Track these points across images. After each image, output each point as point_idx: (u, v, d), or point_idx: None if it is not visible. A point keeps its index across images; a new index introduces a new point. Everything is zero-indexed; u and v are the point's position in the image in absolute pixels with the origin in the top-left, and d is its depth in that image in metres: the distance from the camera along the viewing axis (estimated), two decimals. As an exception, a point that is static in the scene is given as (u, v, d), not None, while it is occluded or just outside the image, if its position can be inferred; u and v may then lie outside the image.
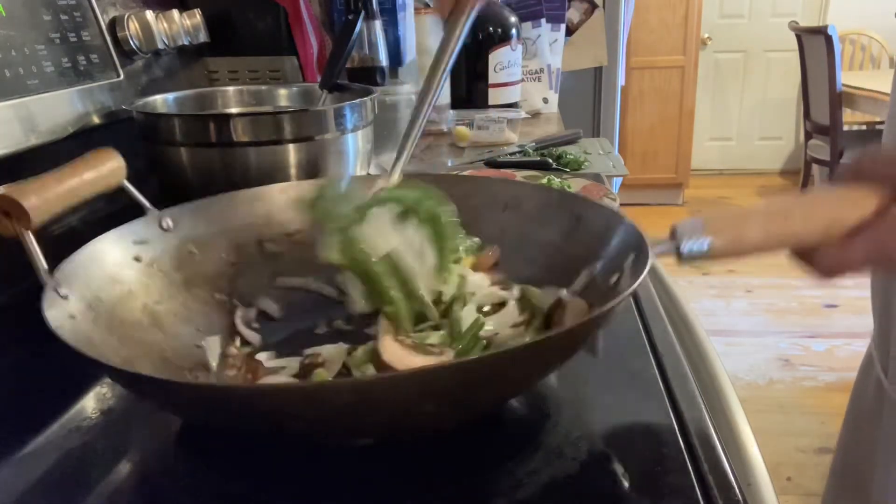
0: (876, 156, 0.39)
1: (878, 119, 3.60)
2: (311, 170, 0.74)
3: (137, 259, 0.50)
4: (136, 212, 0.53)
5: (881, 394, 0.66)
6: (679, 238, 0.40)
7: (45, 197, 0.46)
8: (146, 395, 0.40)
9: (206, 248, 0.54)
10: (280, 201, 0.59)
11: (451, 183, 0.61)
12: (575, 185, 0.82)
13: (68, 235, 0.47)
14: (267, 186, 0.59)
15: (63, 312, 0.41)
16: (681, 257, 0.40)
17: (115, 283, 0.47)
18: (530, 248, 0.55)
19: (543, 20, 1.52)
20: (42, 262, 0.43)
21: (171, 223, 0.53)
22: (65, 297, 0.41)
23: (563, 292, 0.48)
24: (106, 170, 0.53)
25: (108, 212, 0.55)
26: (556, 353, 0.39)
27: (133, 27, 0.85)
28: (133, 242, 0.50)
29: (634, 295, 0.60)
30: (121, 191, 0.54)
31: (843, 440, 0.76)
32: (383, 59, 1.06)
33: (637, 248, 0.44)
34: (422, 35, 1.32)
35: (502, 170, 0.98)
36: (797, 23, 3.55)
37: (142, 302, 0.48)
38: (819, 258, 0.39)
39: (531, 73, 1.54)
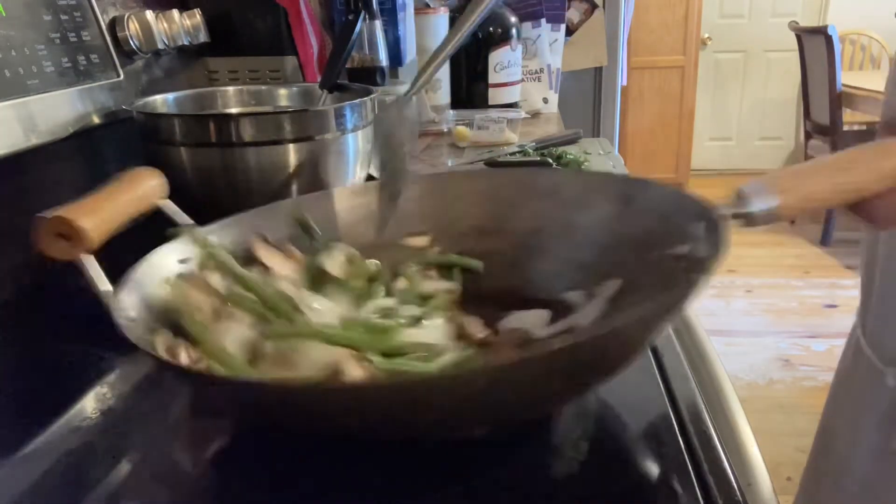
0: None
1: (877, 119, 3.59)
2: (312, 170, 0.74)
3: (183, 278, 0.48)
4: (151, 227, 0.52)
5: (858, 353, 0.68)
6: (747, 199, 0.39)
7: (101, 218, 0.45)
8: (236, 402, 0.39)
9: (246, 263, 0.52)
10: (314, 210, 0.58)
11: (482, 177, 0.60)
12: (575, 185, 0.82)
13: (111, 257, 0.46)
14: (302, 196, 0.58)
15: (139, 332, 0.39)
16: (752, 218, 0.39)
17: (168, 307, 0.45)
18: (577, 233, 0.54)
19: (543, 20, 1.52)
20: (106, 284, 0.42)
21: (213, 239, 0.51)
22: (133, 321, 0.40)
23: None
24: (149, 188, 0.53)
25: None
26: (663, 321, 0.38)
27: (133, 27, 0.85)
28: (178, 262, 0.48)
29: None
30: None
31: (826, 403, 0.77)
32: (383, 59, 1.05)
33: (703, 215, 0.42)
34: (422, 35, 1.32)
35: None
36: (797, 23, 3.55)
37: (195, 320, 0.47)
38: (878, 207, 0.39)
39: (531, 73, 1.55)
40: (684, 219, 0.45)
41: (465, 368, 0.40)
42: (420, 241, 0.59)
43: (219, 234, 0.52)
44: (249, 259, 0.52)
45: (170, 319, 0.43)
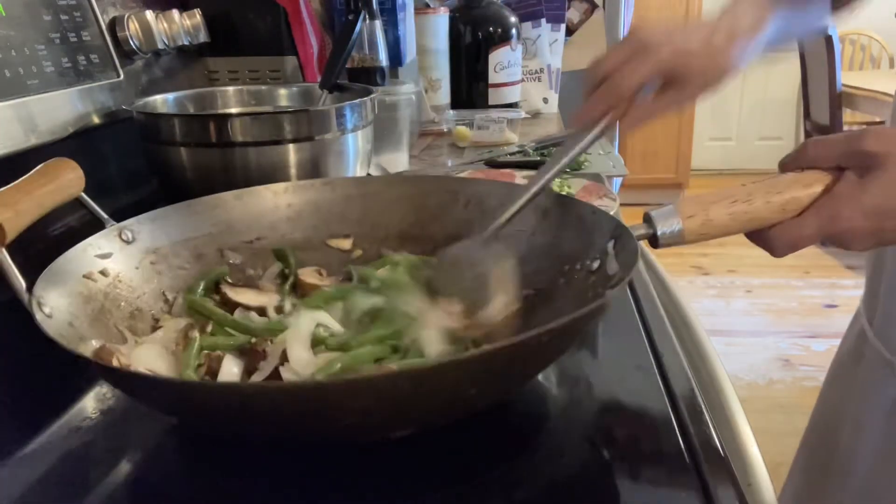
0: (816, 141, 0.44)
1: (878, 119, 3.59)
2: (312, 170, 0.74)
3: (104, 273, 0.49)
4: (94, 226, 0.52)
5: (862, 342, 0.68)
6: (654, 223, 0.43)
7: (17, 209, 0.45)
8: (151, 400, 0.40)
9: (169, 259, 0.53)
10: (238, 209, 0.58)
11: (412, 184, 0.61)
12: (575, 185, 0.82)
13: (26, 250, 0.46)
14: (223, 193, 0.58)
15: (55, 327, 0.40)
16: (657, 241, 0.44)
17: (89, 302, 0.46)
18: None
19: (543, 20, 1.52)
20: (20, 280, 0.42)
21: (131, 235, 0.52)
22: (49, 316, 0.41)
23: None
24: (66, 180, 0.52)
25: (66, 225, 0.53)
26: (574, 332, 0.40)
27: (133, 27, 0.85)
28: (96, 257, 0.49)
29: (634, 295, 0.60)
30: (78, 204, 0.53)
31: (819, 397, 0.77)
32: (383, 59, 1.05)
33: (614, 233, 0.46)
34: (422, 35, 1.32)
35: (502, 170, 0.98)
36: (797, 23, 3.54)
37: (115, 318, 0.47)
38: (775, 236, 0.43)
39: (531, 73, 1.54)
40: (598, 235, 0.48)
41: (362, 375, 0.41)
42: (343, 243, 0.59)
43: (136, 229, 0.52)
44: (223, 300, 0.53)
45: (93, 317, 0.44)
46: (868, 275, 0.69)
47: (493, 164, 1.05)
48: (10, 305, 0.52)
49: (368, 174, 0.84)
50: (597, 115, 0.51)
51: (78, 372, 0.50)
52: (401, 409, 0.35)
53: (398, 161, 1.01)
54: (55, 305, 0.42)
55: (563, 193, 0.79)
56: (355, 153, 0.79)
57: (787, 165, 0.44)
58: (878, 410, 0.64)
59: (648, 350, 0.50)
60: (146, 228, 0.53)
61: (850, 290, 2.84)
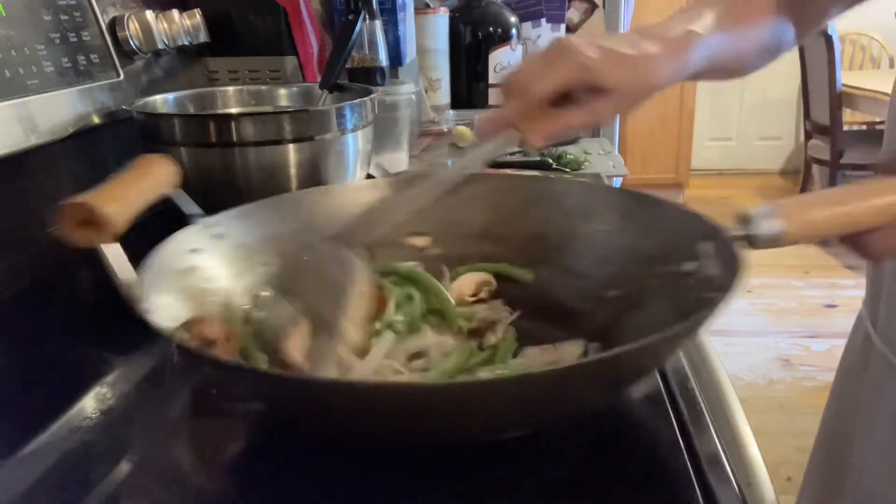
0: None
1: (878, 119, 3.59)
2: (312, 170, 0.74)
3: (196, 269, 0.48)
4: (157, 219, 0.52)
5: (868, 347, 0.67)
6: (753, 223, 0.41)
7: (124, 204, 0.44)
8: (256, 393, 0.39)
9: (255, 255, 0.53)
10: (322, 205, 0.58)
11: (489, 181, 0.60)
12: (575, 185, 0.82)
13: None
14: (309, 189, 0.59)
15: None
16: (755, 242, 0.41)
17: (187, 298, 0.45)
18: (577, 244, 0.55)
19: (543, 20, 1.52)
20: (130, 273, 0.41)
21: (222, 230, 0.52)
22: (154, 311, 0.39)
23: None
24: (164, 175, 0.52)
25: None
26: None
27: (133, 27, 0.85)
28: (189, 252, 0.49)
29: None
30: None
31: (828, 406, 0.77)
32: (383, 59, 1.05)
33: (712, 234, 0.44)
34: (422, 35, 1.32)
35: (502, 170, 0.98)
36: (797, 23, 3.54)
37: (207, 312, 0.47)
38: (872, 241, 0.41)
39: (531, 73, 1.54)
40: (690, 237, 0.46)
41: (462, 381, 0.41)
42: (421, 241, 0.59)
43: (226, 224, 0.52)
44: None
45: (190, 312, 0.44)
46: (869, 276, 0.69)
47: (493, 164, 1.05)
48: (11, 305, 0.52)
49: (369, 175, 0.84)
50: (501, 124, 0.48)
51: (79, 370, 0.50)
52: (530, 410, 0.35)
53: (398, 161, 1.01)
54: (160, 302, 0.41)
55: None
56: (355, 153, 0.79)
57: (884, 168, 0.43)
58: (886, 414, 0.64)
59: (648, 350, 0.50)
60: (234, 224, 0.53)
61: (850, 290, 2.84)
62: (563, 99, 0.47)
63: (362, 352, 0.46)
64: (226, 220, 0.53)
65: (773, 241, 0.41)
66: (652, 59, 0.47)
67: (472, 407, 0.33)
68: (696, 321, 0.36)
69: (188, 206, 0.53)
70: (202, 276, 0.49)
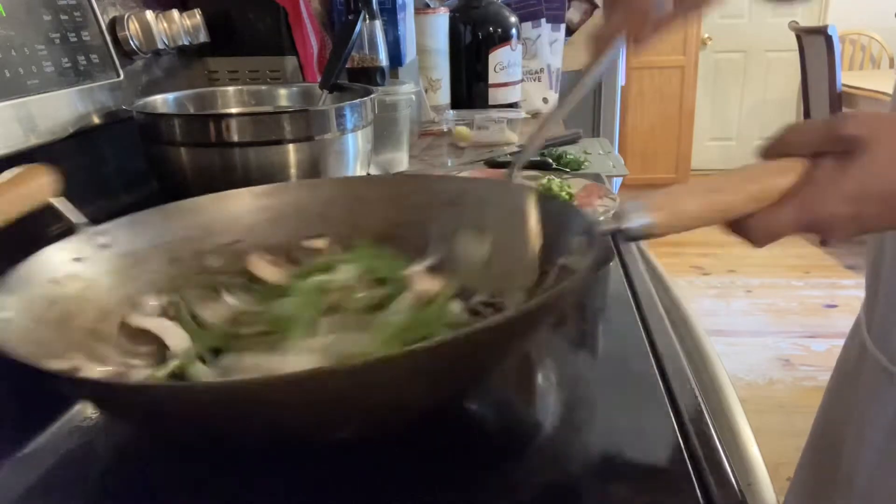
0: (793, 127, 0.42)
1: (878, 119, 3.59)
2: (312, 170, 0.74)
3: (74, 278, 0.47)
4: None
5: (863, 353, 0.68)
6: (622, 217, 0.42)
7: None
8: (108, 404, 0.39)
9: (142, 264, 0.52)
10: (216, 212, 0.57)
11: (393, 183, 0.61)
12: (575, 185, 0.82)
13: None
14: (200, 197, 0.57)
15: (11, 330, 0.39)
16: (626, 234, 0.43)
17: (53, 304, 0.44)
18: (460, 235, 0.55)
19: (543, 20, 1.52)
20: None
21: (104, 239, 0.51)
22: (8, 320, 0.39)
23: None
24: (37, 185, 0.51)
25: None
26: (523, 331, 0.40)
27: (133, 27, 0.85)
28: (70, 260, 0.48)
29: (634, 295, 0.60)
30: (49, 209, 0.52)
31: (822, 406, 0.77)
32: (383, 59, 1.05)
33: (583, 229, 0.45)
34: (422, 35, 1.32)
35: (502, 170, 0.98)
36: (797, 23, 3.55)
37: (80, 322, 0.46)
38: (752, 225, 0.42)
39: (531, 73, 1.55)
40: (570, 232, 0.47)
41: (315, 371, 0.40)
42: (316, 243, 0.58)
43: (112, 233, 0.51)
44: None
45: (56, 322, 0.43)
46: (867, 281, 0.69)
47: (493, 164, 1.05)
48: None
49: (368, 174, 0.84)
50: (610, 34, 0.52)
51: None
52: (336, 408, 0.34)
53: (398, 161, 1.01)
54: (16, 308, 0.40)
55: (562, 194, 0.79)
56: (355, 153, 0.79)
57: (765, 153, 0.43)
58: (879, 420, 0.64)
59: (648, 350, 0.50)
60: (122, 232, 0.52)
61: (850, 290, 2.84)
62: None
63: None
64: (113, 229, 0.52)
65: (645, 233, 0.42)
66: None
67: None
68: (543, 299, 0.36)
69: (73, 214, 0.52)
70: (82, 284, 0.48)
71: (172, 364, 0.45)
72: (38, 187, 0.51)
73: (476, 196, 0.57)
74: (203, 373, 0.44)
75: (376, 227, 0.58)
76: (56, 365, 0.39)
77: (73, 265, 0.48)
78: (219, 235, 0.57)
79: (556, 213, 0.51)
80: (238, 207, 0.58)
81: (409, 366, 0.33)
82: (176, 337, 0.47)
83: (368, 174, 0.85)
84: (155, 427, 0.40)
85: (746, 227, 0.42)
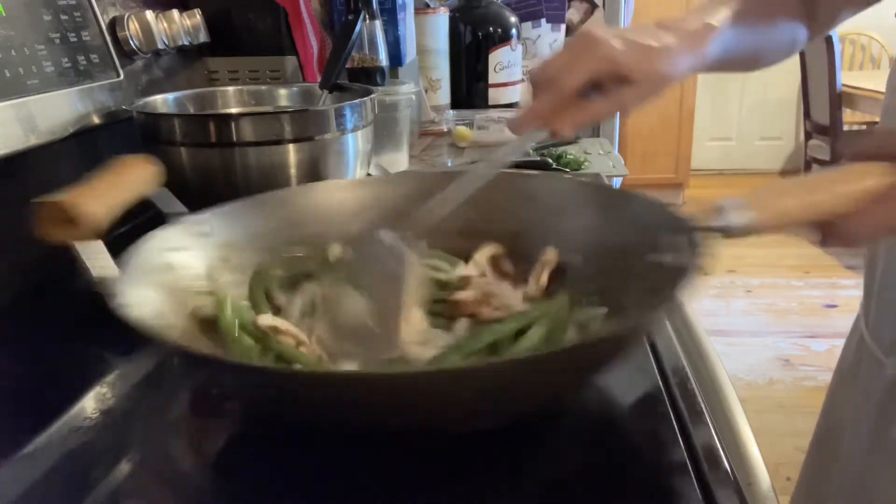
0: (879, 131, 0.42)
1: (877, 119, 3.58)
2: (312, 170, 0.74)
3: (179, 265, 0.48)
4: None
5: (861, 346, 0.68)
6: (724, 213, 0.42)
7: (101, 203, 0.44)
8: (229, 385, 0.40)
9: (239, 253, 0.54)
10: (305, 204, 0.59)
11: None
12: (575, 185, 0.82)
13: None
14: (291, 188, 0.60)
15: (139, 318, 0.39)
16: (727, 232, 0.42)
17: (167, 293, 0.45)
18: (558, 238, 0.55)
19: (543, 20, 1.52)
20: (113, 269, 0.42)
21: (208, 228, 0.52)
22: (131, 306, 0.39)
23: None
24: (145, 175, 0.52)
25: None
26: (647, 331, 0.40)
27: (133, 27, 0.85)
28: (173, 249, 0.49)
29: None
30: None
31: (824, 404, 0.77)
32: (383, 59, 1.05)
33: (682, 227, 0.44)
34: (422, 35, 1.32)
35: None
36: (797, 23, 3.55)
37: (193, 310, 0.47)
38: (845, 226, 0.42)
39: (531, 73, 1.54)
40: (664, 230, 0.47)
41: (445, 368, 0.40)
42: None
43: (210, 223, 0.53)
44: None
45: (171, 308, 0.44)
46: (865, 276, 0.70)
47: (493, 164, 1.04)
48: (12, 305, 0.52)
49: (368, 174, 0.84)
50: (533, 118, 0.50)
51: (79, 370, 0.50)
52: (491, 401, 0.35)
53: (398, 161, 1.01)
54: (137, 297, 0.41)
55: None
56: (355, 153, 0.79)
57: (852, 156, 0.43)
58: (872, 409, 0.64)
59: (649, 350, 0.50)
60: (219, 222, 0.53)
61: (850, 290, 2.84)
62: (589, 89, 0.49)
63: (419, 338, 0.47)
64: (211, 218, 0.53)
65: (746, 231, 0.42)
66: (673, 51, 0.50)
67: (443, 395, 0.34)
68: (658, 309, 0.36)
69: (172, 205, 0.53)
70: (186, 273, 0.49)
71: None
72: (147, 176, 0.53)
73: (556, 193, 0.57)
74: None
75: (456, 224, 0.58)
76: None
77: (175, 254, 0.49)
78: (306, 227, 0.58)
79: (643, 210, 0.50)
80: (324, 199, 0.60)
81: (539, 368, 0.34)
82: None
83: (368, 174, 0.85)
84: (286, 413, 0.41)
85: (840, 228, 0.42)
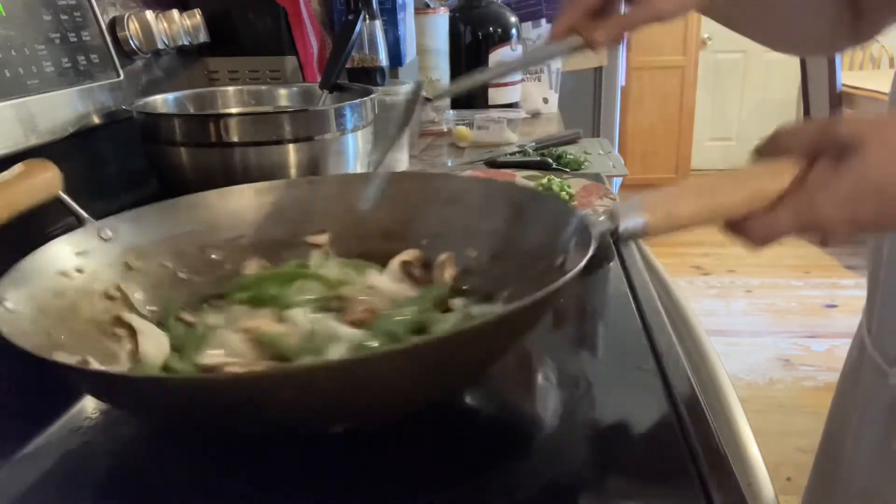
0: (788, 128, 0.42)
1: (878, 119, 3.59)
2: (312, 170, 0.74)
3: (79, 271, 0.48)
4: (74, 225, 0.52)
5: (863, 353, 0.68)
6: (616, 217, 0.42)
7: None
8: (113, 398, 0.40)
9: (146, 258, 0.53)
10: (220, 207, 0.58)
11: (392, 180, 0.61)
12: (575, 185, 0.82)
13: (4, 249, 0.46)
14: (205, 192, 0.58)
15: (15, 322, 0.40)
16: (619, 235, 0.43)
17: (58, 297, 0.45)
18: (475, 240, 0.56)
19: (543, 20, 1.52)
20: None
21: (110, 233, 0.52)
22: (12, 312, 0.40)
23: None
24: (42, 180, 0.52)
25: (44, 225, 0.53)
26: (518, 327, 0.40)
27: (133, 27, 0.85)
28: (74, 254, 0.49)
29: (634, 296, 0.60)
30: (58, 203, 0.53)
31: (830, 405, 0.77)
32: (383, 59, 1.05)
33: (580, 229, 0.45)
34: (422, 35, 1.32)
35: (502, 170, 0.98)
36: (797, 23, 3.54)
37: (86, 315, 0.47)
38: (749, 228, 0.42)
39: (531, 73, 1.54)
40: (566, 232, 0.47)
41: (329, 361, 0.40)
42: (319, 238, 0.59)
43: (115, 227, 0.52)
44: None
45: (61, 314, 0.44)
46: (868, 286, 0.70)
47: (493, 164, 1.05)
48: (10, 305, 0.51)
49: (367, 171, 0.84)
50: (566, 28, 0.50)
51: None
52: (334, 402, 0.35)
53: (398, 161, 1.01)
54: (20, 301, 0.41)
55: (562, 194, 0.79)
56: (355, 153, 0.79)
57: (760, 153, 0.43)
58: (874, 418, 0.64)
59: (648, 350, 0.50)
60: (126, 226, 0.53)
61: (850, 290, 2.84)
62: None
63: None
64: (116, 223, 0.53)
65: (637, 233, 0.42)
66: None
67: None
68: (535, 297, 0.36)
69: (76, 210, 0.53)
70: (87, 277, 0.49)
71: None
72: (45, 181, 0.53)
73: (475, 195, 0.57)
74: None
75: (377, 225, 0.59)
76: (63, 357, 0.40)
77: (79, 258, 0.49)
78: (222, 231, 0.58)
79: (554, 212, 0.51)
80: (241, 203, 0.59)
81: (411, 360, 0.34)
82: (151, 341, 0.47)
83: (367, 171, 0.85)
84: (160, 418, 0.41)
85: (743, 229, 0.42)
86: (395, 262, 0.55)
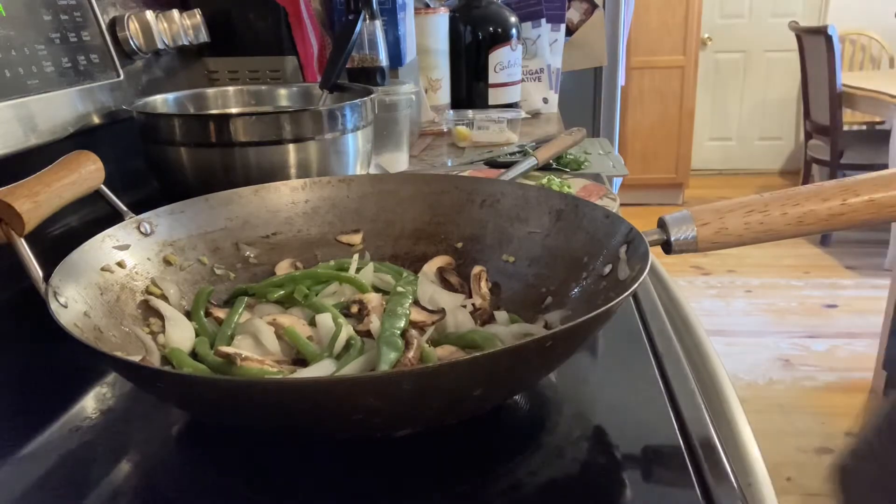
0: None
1: (877, 119, 3.59)
2: (311, 170, 0.74)
3: (121, 265, 0.49)
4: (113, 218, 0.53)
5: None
6: (668, 229, 0.43)
7: (37, 201, 0.45)
8: (168, 395, 0.40)
9: (184, 252, 0.54)
10: (255, 204, 0.59)
11: (426, 181, 0.61)
12: (575, 185, 0.82)
13: (45, 241, 0.46)
14: (240, 188, 0.59)
15: (69, 317, 0.41)
16: (670, 247, 0.43)
17: (104, 292, 0.46)
18: (511, 245, 0.56)
19: (543, 20, 1.52)
20: (37, 269, 0.43)
21: (149, 227, 0.52)
22: (65, 306, 0.41)
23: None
24: (86, 172, 0.52)
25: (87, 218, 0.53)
26: (578, 341, 0.40)
27: (133, 27, 0.85)
28: (114, 248, 0.49)
29: (634, 295, 0.60)
30: (98, 196, 0.54)
31: None
32: (383, 59, 1.05)
33: (629, 238, 0.45)
34: (422, 35, 1.32)
35: (502, 170, 0.98)
36: (797, 23, 3.55)
37: (130, 308, 0.48)
38: None
39: (531, 73, 1.54)
40: (611, 240, 0.47)
41: (377, 373, 0.40)
42: (353, 238, 0.59)
43: (154, 221, 0.53)
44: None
45: (108, 308, 0.45)
46: (884, 314, 0.69)
47: (493, 164, 1.05)
48: (10, 305, 0.52)
49: (369, 172, 0.84)
50: None
51: (79, 370, 0.50)
52: (405, 408, 0.35)
53: (398, 161, 1.01)
54: (70, 296, 0.42)
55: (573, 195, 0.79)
56: (355, 153, 0.79)
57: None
58: None
59: (648, 350, 0.50)
60: (164, 221, 0.54)
61: (850, 291, 2.84)
62: None
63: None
64: (155, 217, 0.53)
65: (686, 246, 0.42)
66: None
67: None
68: (592, 319, 0.36)
69: (117, 203, 0.54)
70: (127, 272, 0.49)
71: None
72: (90, 173, 0.53)
73: (511, 198, 0.57)
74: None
75: (409, 225, 0.59)
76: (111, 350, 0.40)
77: (120, 253, 0.49)
78: (257, 227, 0.58)
79: (596, 220, 0.51)
80: (275, 200, 0.59)
81: (469, 372, 0.34)
82: (178, 329, 0.47)
83: (368, 172, 0.85)
84: (219, 417, 0.41)
85: None
86: (431, 268, 0.55)
